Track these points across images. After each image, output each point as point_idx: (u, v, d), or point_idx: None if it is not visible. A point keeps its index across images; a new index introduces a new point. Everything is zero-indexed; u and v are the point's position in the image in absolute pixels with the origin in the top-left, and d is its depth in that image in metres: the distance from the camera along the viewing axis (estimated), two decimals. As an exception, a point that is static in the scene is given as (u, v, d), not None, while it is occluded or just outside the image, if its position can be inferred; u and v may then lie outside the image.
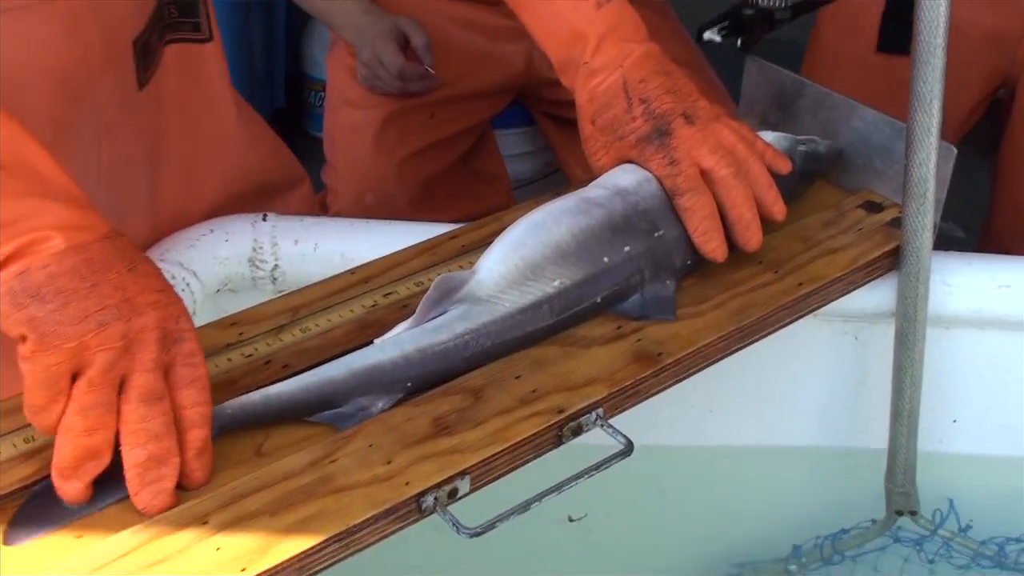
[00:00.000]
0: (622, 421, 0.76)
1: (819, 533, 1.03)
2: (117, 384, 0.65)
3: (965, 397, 1.03)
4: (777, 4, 1.08)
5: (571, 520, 1.06)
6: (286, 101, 2.51)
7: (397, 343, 0.76)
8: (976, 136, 1.47)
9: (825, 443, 1.06)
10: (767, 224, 0.88)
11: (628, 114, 0.87)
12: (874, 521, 1.03)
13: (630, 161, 0.88)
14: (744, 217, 0.85)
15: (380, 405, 0.74)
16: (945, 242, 0.99)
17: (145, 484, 0.66)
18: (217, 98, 1.01)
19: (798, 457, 1.07)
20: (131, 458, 0.65)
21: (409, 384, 0.75)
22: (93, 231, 0.66)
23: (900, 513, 1.01)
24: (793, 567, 1.02)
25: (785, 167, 0.89)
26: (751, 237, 0.86)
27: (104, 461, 0.66)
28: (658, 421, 0.99)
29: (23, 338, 0.64)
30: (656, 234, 0.84)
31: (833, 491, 1.08)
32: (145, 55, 0.89)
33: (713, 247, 0.85)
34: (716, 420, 1.06)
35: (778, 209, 0.87)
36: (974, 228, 1.59)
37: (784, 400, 1.05)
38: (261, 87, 2.43)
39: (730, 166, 0.85)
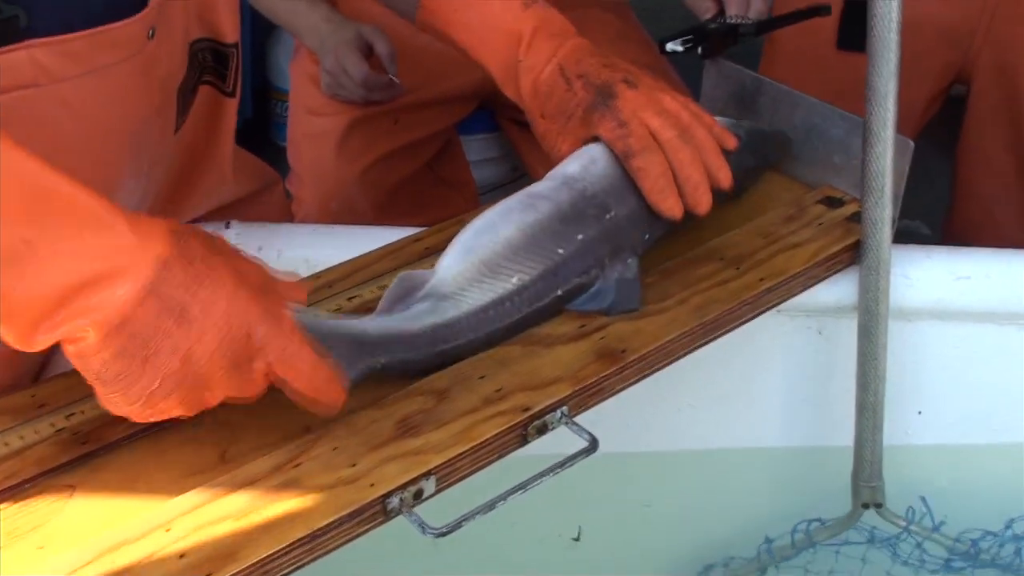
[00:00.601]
0: (590, 427, 0.76)
1: (788, 531, 1.04)
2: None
3: (929, 388, 1.04)
4: (743, 21, 1.10)
5: (575, 540, 1.07)
6: (252, 112, 2.51)
7: (362, 323, 0.76)
8: (935, 133, 1.49)
9: (791, 439, 1.07)
10: (727, 221, 0.89)
11: (569, 92, 0.87)
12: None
13: (585, 141, 0.88)
14: (692, 178, 0.85)
15: (350, 378, 0.72)
16: (911, 239, 1.00)
17: None
18: (222, 150, 1.01)
19: (764, 455, 1.08)
20: None
21: (381, 364, 0.74)
22: (135, 278, 0.62)
23: (867, 506, 1.01)
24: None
25: (731, 142, 0.90)
26: (700, 198, 0.86)
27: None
28: (627, 424, 1.00)
29: None
30: (608, 216, 0.84)
31: (801, 488, 1.09)
32: (184, 102, 0.90)
33: (669, 204, 0.85)
34: (683, 420, 1.06)
35: (724, 175, 0.87)
36: (936, 225, 1.61)
37: (749, 396, 1.06)
38: (228, 98, 2.42)
39: (675, 128, 0.85)
